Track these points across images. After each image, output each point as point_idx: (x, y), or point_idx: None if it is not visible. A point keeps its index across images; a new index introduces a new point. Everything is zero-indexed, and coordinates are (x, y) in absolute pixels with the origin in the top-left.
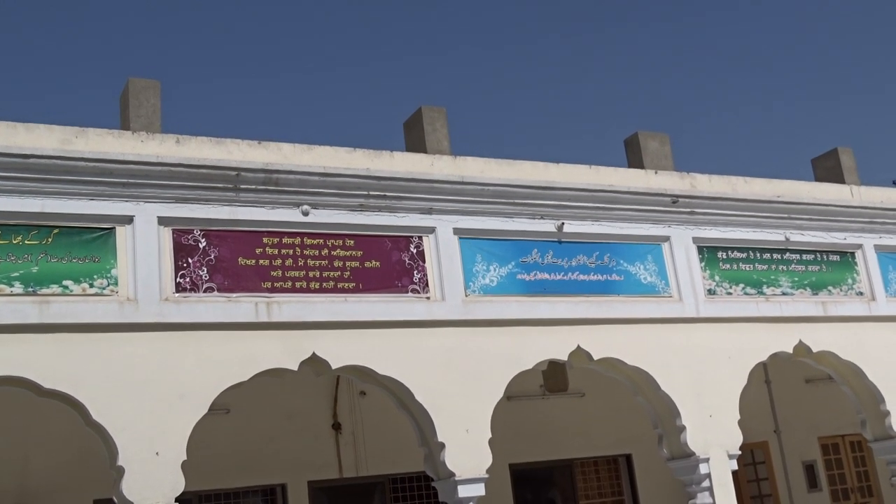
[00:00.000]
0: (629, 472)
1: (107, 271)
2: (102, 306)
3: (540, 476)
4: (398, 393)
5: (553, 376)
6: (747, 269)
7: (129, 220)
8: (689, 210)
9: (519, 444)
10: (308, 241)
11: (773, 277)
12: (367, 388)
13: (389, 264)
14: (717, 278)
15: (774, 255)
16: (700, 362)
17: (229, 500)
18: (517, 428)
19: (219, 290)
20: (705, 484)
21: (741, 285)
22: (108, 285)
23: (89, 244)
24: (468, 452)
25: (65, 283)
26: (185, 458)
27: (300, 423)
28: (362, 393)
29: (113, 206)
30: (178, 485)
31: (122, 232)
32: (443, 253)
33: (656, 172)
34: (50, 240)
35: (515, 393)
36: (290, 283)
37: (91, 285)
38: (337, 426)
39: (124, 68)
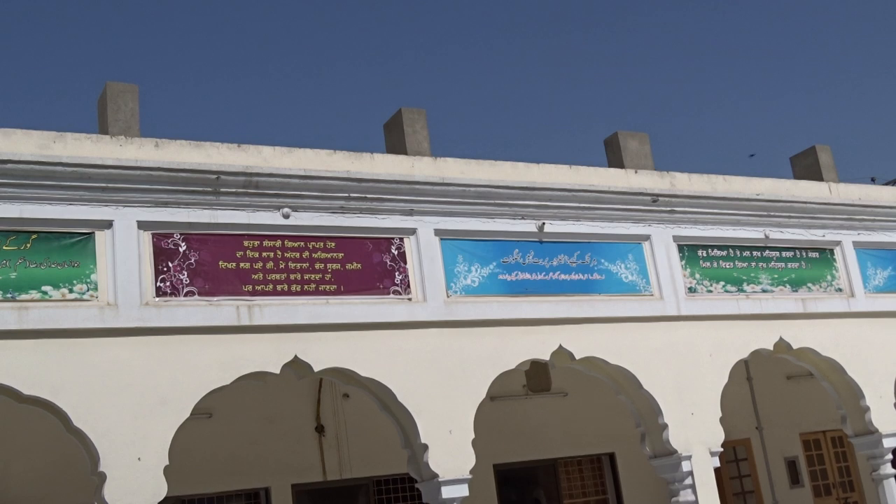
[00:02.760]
0: (613, 471)
1: (86, 276)
2: (82, 311)
3: (524, 476)
4: (381, 395)
5: (536, 376)
6: (727, 266)
7: (108, 224)
8: (669, 209)
9: (502, 444)
10: (289, 244)
11: (753, 275)
12: (349, 390)
13: (371, 266)
14: (697, 276)
15: (754, 253)
16: (681, 360)
17: None
18: (500, 428)
19: (200, 294)
20: (688, 481)
21: (721, 283)
22: (88, 290)
23: (68, 249)
24: (451, 453)
25: (44, 288)
26: (167, 463)
27: (283, 426)
28: (345, 395)
29: (92, 211)
30: (161, 490)
31: (101, 236)
32: (424, 254)
33: (636, 172)
34: (28, 245)
35: (498, 393)
36: (271, 286)
37: (70, 290)
38: (320, 429)
39: (102, 72)
